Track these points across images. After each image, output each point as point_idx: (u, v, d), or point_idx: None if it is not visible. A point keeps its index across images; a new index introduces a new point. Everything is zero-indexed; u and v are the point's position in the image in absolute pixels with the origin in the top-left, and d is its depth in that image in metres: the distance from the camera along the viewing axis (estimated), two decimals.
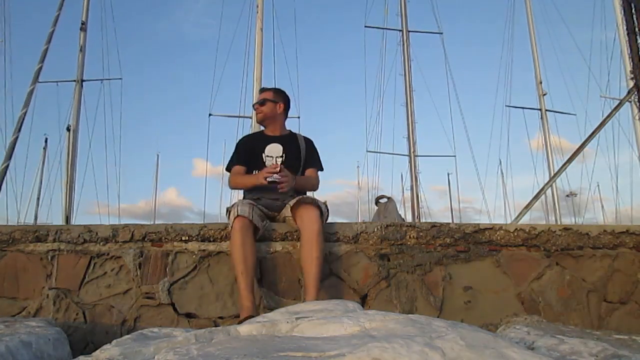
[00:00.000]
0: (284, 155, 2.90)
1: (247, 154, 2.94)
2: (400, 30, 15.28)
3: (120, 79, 14.19)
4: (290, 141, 2.99)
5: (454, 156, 16.15)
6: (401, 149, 15.32)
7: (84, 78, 12.84)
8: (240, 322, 2.18)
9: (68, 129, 12.34)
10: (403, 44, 15.06)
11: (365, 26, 16.00)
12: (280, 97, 3.08)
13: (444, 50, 16.12)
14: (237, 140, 3.12)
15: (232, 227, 2.40)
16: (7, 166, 5.99)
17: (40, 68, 6.85)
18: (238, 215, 2.40)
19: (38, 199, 17.49)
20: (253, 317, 2.17)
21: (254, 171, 2.86)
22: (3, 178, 5.87)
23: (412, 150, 14.42)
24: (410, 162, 14.34)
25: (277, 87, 3.16)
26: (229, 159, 3.02)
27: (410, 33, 15.17)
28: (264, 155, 2.90)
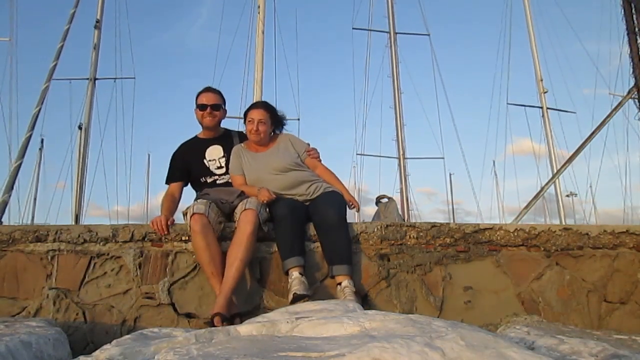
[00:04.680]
0: (225, 155, 2.87)
1: (184, 167, 2.87)
2: (387, 32, 15.19)
3: (134, 78, 14.18)
4: (227, 140, 2.93)
5: (442, 158, 16.12)
6: (390, 151, 15.21)
7: (97, 76, 12.69)
8: (211, 318, 2.18)
9: (80, 127, 12.18)
10: (390, 46, 14.95)
11: (353, 28, 15.97)
12: (224, 101, 3.00)
13: (431, 51, 16.04)
14: (173, 152, 2.97)
15: (190, 227, 2.38)
16: (20, 165, 5.89)
17: (55, 65, 6.71)
18: (194, 213, 2.38)
19: (35, 199, 17.52)
20: (222, 314, 2.18)
21: (201, 178, 2.81)
22: (16, 176, 5.79)
23: (401, 153, 14.30)
24: (399, 164, 14.23)
25: (218, 88, 3.02)
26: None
27: (397, 35, 15.09)
28: (205, 161, 2.85)
